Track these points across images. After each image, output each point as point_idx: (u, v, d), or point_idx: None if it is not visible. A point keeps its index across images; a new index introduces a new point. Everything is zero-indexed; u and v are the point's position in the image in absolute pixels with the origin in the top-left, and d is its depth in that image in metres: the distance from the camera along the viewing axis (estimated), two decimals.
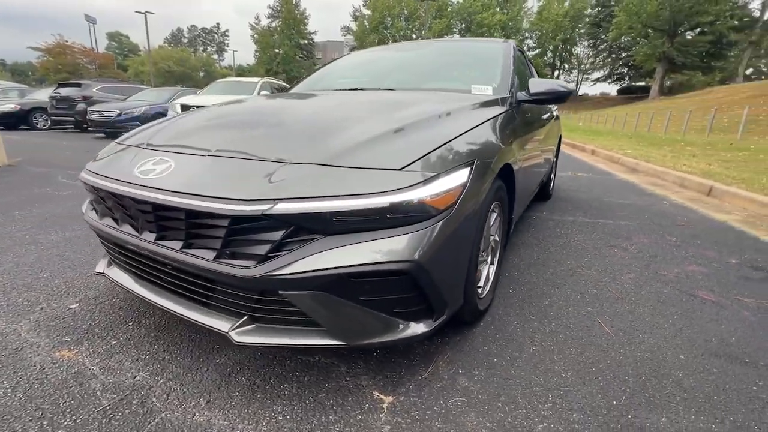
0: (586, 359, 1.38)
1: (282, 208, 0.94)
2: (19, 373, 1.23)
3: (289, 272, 0.95)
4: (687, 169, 5.55)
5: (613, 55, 43.12)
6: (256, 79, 10.24)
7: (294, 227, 0.97)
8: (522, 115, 2.04)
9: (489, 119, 1.51)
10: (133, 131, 1.65)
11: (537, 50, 49.13)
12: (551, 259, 2.31)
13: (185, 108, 8.54)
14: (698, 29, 31.17)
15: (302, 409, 1.12)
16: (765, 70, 43.48)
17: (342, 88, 2.19)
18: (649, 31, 32.09)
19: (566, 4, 46.74)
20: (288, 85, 11.49)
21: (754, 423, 1.11)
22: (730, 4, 30.01)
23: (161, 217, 1.11)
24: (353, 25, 52.08)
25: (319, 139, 1.18)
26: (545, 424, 1.08)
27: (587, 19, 45.66)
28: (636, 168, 6.38)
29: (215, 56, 75.62)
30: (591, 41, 46.45)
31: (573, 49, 49.23)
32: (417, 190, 0.99)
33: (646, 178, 5.67)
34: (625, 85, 48.04)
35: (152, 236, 1.15)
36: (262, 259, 0.98)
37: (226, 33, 76.53)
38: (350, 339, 1.05)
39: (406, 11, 47.31)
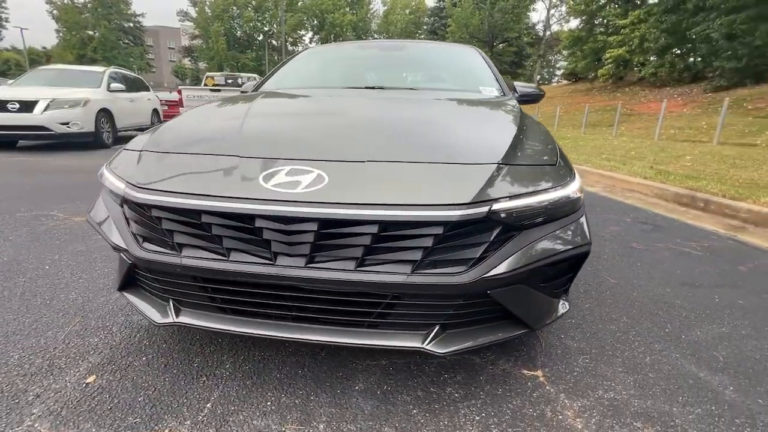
0: (623, 305, 1.76)
1: (500, 208, 0.95)
2: None
3: (503, 271, 0.97)
4: None
5: None
6: (99, 69, 8.32)
7: (503, 226, 0.98)
8: None
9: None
10: (163, 134, 1.30)
11: None
12: None
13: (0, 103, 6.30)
14: (506, 42, 39.23)
15: (484, 403, 1.14)
16: (548, 77, 57.96)
17: (355, 86, 2.08)
18: (474, 41, 38.65)
19: (407, 11, 51.77)
20: (132, 73, 9.43)
21: (738, 321, 1.65)
22: (525, 24, 38.77)
23: (329, 236, 0.95)
24: (192, 11, 46.30)
25: (473, 142, 1.19)
26: (649, 357, 1.38)
27: (425, 27, 51.66)
28: None
29: None
30: None
31: None
32: (576, 181, 1.13)
33: None
34: None
35: (299, 261, 0.97)
36: (475, 262, 0.96)
37: (4, 5, 57.80)
38: (536, 324, 1.13)
39: (254, 1, 44.55)
